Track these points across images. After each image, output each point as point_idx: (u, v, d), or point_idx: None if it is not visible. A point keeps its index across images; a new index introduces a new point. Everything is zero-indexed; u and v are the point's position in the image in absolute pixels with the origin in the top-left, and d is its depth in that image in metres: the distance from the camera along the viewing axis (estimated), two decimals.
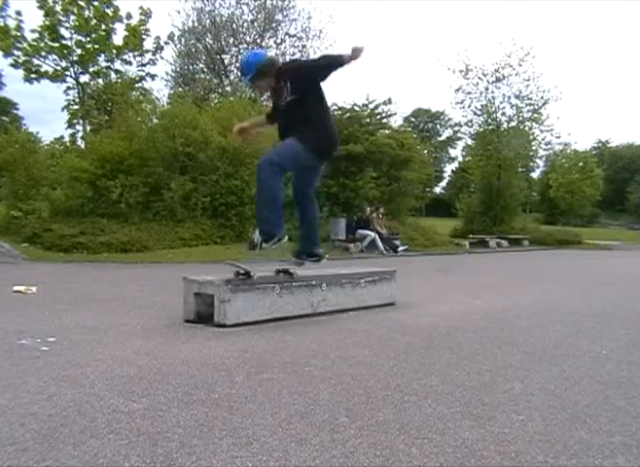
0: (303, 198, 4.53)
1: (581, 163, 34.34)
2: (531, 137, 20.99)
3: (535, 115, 20.44)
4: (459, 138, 41.11)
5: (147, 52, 18.26)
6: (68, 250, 10.29)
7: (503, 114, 20.65)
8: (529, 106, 20.37)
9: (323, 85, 4.25)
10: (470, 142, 24.56)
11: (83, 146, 16.41)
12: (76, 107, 18.92)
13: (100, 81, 18.20)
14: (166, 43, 19.52)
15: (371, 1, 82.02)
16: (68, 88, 18.30)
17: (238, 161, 12.57)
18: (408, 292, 5.99)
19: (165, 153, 12.30)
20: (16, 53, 16.70)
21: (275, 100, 4.50)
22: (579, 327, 4.61)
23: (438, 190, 55.27)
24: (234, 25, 21.78)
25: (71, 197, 12.02)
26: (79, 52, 16.93)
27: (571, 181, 36.47)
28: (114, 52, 17.39)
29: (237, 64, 22.51)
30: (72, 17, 16.50)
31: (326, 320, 4.58)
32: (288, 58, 22.56)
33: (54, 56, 16.97)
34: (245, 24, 21.92)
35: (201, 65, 23.19)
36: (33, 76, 17.13)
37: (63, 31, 16.68)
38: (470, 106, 20.73)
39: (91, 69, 17.56)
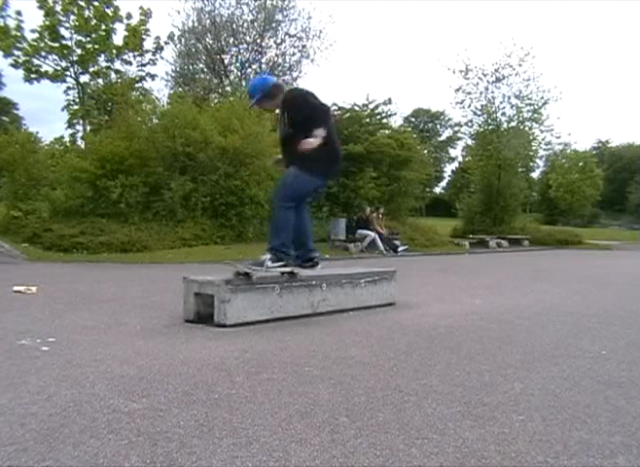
0: (300, 211, 4.57)
1: (581, 163, 34.38)
2: (531, 137, 20.98)
3: (535, 115, 20.43)
4: (459, 138, 41.09)
5: (147, 52, 18.32)
6: (68, 250, 10.29)
7: (503, 114, 20.66)
8: (529, 106, 20.37)
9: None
10: (470, 142, 24.57)
11: (83, 146, 16.42)
12: (76, 107, 18.95)
13: (100, 81, 18.24)
14: (166, 43, 19.58)
15: (371, 1, 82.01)
16: (68, 88, 18.36)
17: (238, 162, 12.57)
18: (408, 292, 5.99)
19: (165, 153, 12.30)
20: (16, 53, 16.74)
21: (278, 128, 4.64)
22: (579, 327, 4.61)
23: (438, 190, 55.29)
24: (234, 25, 21.77)
25: (71, 197, 12.02)
26: (79, 52, 16.97)
27: (571, 181, 36.51)
28: (114, 52, 17.43)
29: (237, 64, 22.58)
30: (72, 17, 16.54)
31: (326, 320, 4.58)
32: (288, 58, 22.62)
33: (54, 56, 17.02)
34: (245, 24, 21.92)
35: (201, 65, 23.18)
36: (33, 76, 17.17)
37: (63, 31, 16.74)
38: (470, 106, 20.75)
39: (91, 69, 17.60)
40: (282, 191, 4.52)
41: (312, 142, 4.15)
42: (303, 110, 4.30)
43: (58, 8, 16.45)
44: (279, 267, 4.39)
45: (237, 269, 4.32)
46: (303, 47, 22.33)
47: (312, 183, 4.51)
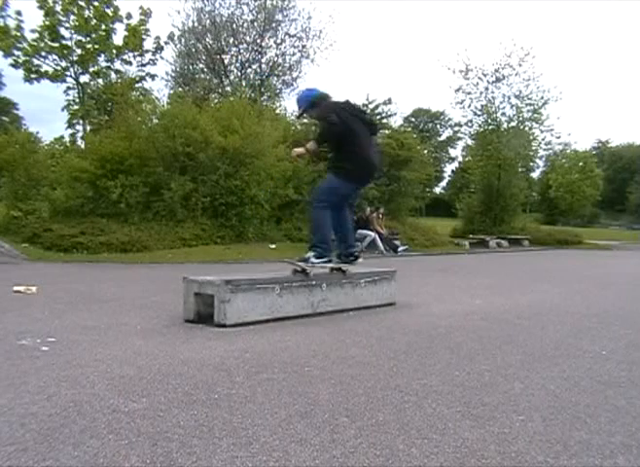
0: (340, 211, 5.00)
1: (581, 163, 34.36)
2: (531, 137, 20.98)
3: (535, 115, 20.43)
4: (459, 138, 41.17)
5: (147, 52, 18.30)
6: (68, 250, 10.29)
7: (503, 114, 20.65)
8: (529, 106, 20.36)
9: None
10: (470, 142, 24.56)
11: (83, 146, 16.41)
12: (76, 107, 18.94)
13: (100, 81, 18.23)
14: (166, 43, 19.57)
15: (371, 1, 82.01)
16: (68, 88, 18.35)
17: (238, 162, 12.57)
18: (408, 292, 5.99)
19: (165, 153, 12.30)
20: (16, 53, 16.73)
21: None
22: (579, 327, 4.61)
23: (438, 190, 55.28)
24: (234, 25, 21.74)
25: (71, 197, 12.00)
26: (79, 52, 16.96)
27: (571, 181, 36.49)
28: (114, 52, 17.42)
29: (237, 64, 22.56)
30: (72, 17, 16.53)
31: (326, 320, 4.58)
32: (288, 58, 22.61)
33: (54, 56, 17.01)
34: (245, 24, 21.88)
35: (201, 65, 23.16)
36: (33, 76, 17.15)
37: (63, 31, 16.72)
38: (470, 106, 20.73)
39: (91, 69, 17.59)
40: (317, 193, 5.03)
41: (296, 150, 4.83)
42: (320, 123, 4.97)
43: (58, 8, 16.44)
44: (324, 262, 4.80)
45: (295, 267, 4.65)
46: (303, 47, 22.33)
47: (344, 187, 4.85)
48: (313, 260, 4.74)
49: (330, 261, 4.86)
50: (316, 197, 4.97)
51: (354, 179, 4.88)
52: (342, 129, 4.65)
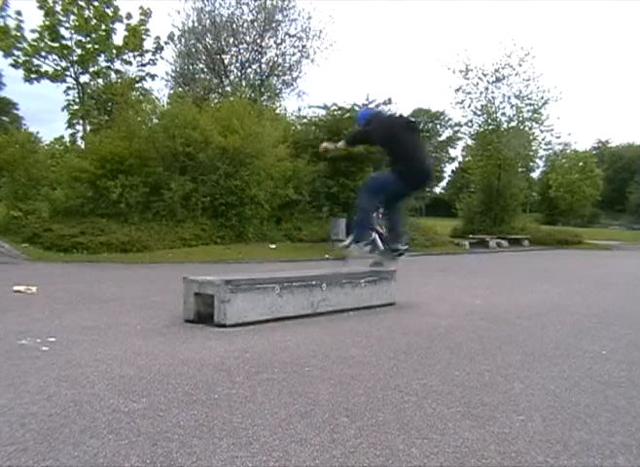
0: (392, 210, 5.36)
1: (581, 163, 34.33)
2: (531, 137, 20.96)
3: (535, 115, 20.40)
4: (459, 138, 41.08)
5: (147, 52, 18.29)
6: (68, 250, 10.29)
7: (503, 114, 20.61)
8: (529, 106, 20.33)
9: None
10: (470, 142, 24.52)
11: (83, 146, 16.41)
12: (76, 107, 18.94)
13: (100, 81, 18.22)
14: (166, 43, 19.55)
15: (371, 1, 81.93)
16: (68, 88, 18.34)
17: (238, 162, 12.57)
18: (408, 292, 5.99)
19: (165, 153, 12.30)
20: (16, 53, 16.72)
21: None
22: (579, 327, 4.61)
23: (438, 190, 55.26)
24: (234, 25, 21.73)
25: (71, 196, 12.01)
26: (79, 52, 16.95)
27: (571, 181, 36.48)
28: (114, 52, 17.41)
29: (237, 64, 22.56)
30: (72, 17, 16.52)
31: (326, 320, 4.58)
32: (288, 58, 22.61)
33: (54, 56, 17.00)
34: (245, 24, 21.87)
35: (201, 65, 23.15)
36: (33, 76, 17.15)
37: (63, 31, 16.71)
38: (470, 106, 20.70)
39: (91, 69, 17.58)
40: (368, 179, 5.60)
41: (324, 145, 5.45)
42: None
43: (58, 8, 16.44)
44: (362, 245, 5.16)
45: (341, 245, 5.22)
46: (303, 47, 22.32)
47: (394, 184, 4.98)
48: (352, 244, 5.14)
49: (367, 245, 5.22)
50: (366, 181, 5.47)
51: (404, 180, 5.03)
52: (378, 134, 5.09)
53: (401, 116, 5.99)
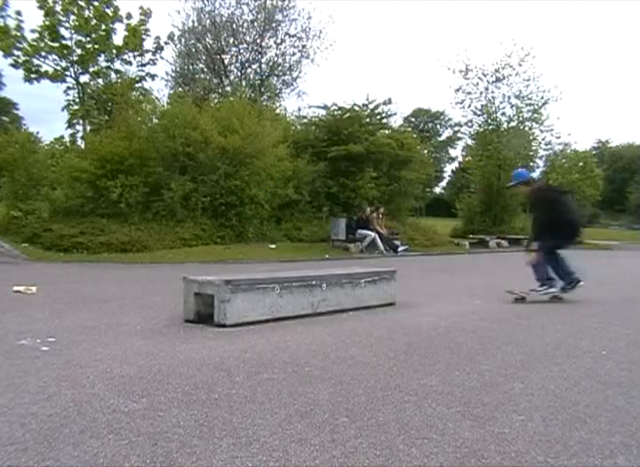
0: (555, 256, 6.21)
1: (581, 164, 34.29)
2: (531, 137, 20.96)
3: (535, 115, 20.41)
4: (459, 138, 41.02)
5: (147, 52, 18.28)
6: (68, 250, 10.29)
7: (503, 114, 20.62)
8: (529, 106, 20.34)
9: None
10: (470, 142, 24.53)
11: (83, 146, 16.41)
12: (76, 107, 18.93)
13: (100, 81, 18.20)
14: (166, 43, 19.53)
15: (371, 1, 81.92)
16: (68, 88, 18.32)
17: (238, 162, 12.56)
18: (408, 292, 5.99)
19: (165, 153, 12.30)
20: (16, 53, 16.71)
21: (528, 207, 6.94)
22: (579, 327, 4.61)
23: (438, 190, 55.24)
24: (234, 25, 21.75)
25: (71, 197, 12.01)
26: (79, 52, 16.94)
27: (571, 181, 36.42)
28: (114, 52, 17.40)
29: (237, 64, 22.57)
30: (72, 17, 16.51)
31: (326, 320, 4.58)
32: (288, 58, 22.63)
33: (54, 56, 16.99)
34: (245, 24, 21.89)
35: (201, 65, 23.16)
36: (33, 76, 17.14)
37: (63, 31, 16.70)
38: (470, 106, 20.70)
39: (91, 69, 17.57)
40: (541, 247, 6.31)
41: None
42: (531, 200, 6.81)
43: (58, 8, 16.43)
44: (545, 290, 6.04)
45: (515, 296, 5.93)
46: (303, 47, 22.33)
47: (553, 242, 6.12)
48: (539, 289, 6.06)
49: (549, 288, 6.09)
50: (540, 249, 6.29)
51: (559, 236, 6.11)
52: (544, 206, 6.25)
53: (552, 186, 7.15)
